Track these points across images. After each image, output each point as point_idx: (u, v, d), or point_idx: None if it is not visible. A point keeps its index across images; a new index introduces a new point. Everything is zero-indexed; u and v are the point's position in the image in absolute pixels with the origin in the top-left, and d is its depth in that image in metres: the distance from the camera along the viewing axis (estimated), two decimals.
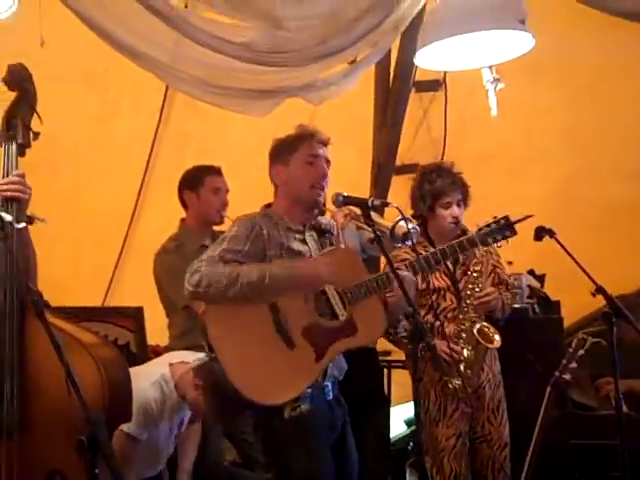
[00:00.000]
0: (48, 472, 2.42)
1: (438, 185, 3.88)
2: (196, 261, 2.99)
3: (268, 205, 3.25)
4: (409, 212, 3.92)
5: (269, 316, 3.01)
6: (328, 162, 3.21)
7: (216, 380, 3.23)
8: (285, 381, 3.00)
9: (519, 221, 3.37)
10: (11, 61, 2.66)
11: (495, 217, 3.38)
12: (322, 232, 3.29)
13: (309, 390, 3.03)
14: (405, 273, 3.12)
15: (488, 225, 3.37)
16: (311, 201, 3.19)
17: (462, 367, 3.79)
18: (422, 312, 3.83)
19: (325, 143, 3.21)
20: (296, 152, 3.18)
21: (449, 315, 3.85)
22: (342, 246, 3.41)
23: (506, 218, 3.37)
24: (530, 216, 3.42)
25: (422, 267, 3.23)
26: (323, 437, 3.11)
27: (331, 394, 3.16)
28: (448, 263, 3.88)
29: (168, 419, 3.61)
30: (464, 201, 3.92)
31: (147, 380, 3.46)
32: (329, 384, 3.15)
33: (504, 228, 3.36)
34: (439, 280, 3.86)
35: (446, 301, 3.86)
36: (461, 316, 3.82)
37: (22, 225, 2.46)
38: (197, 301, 3.91)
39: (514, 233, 3.36)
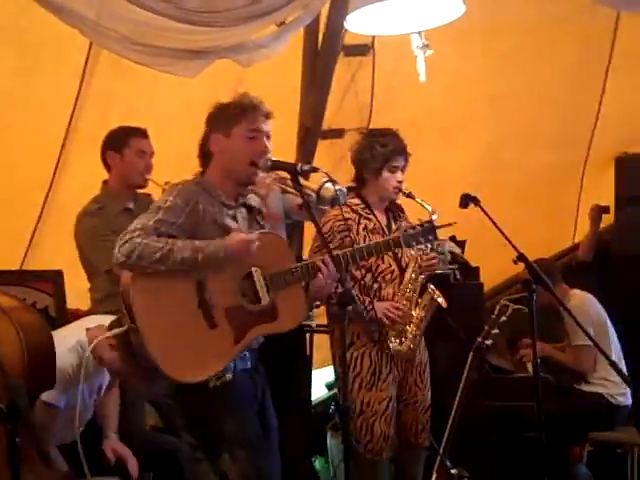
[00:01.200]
0: None
1: (390, 149, 3.91)
2: (129, 229, 2.92)
3: (202, 172, 3.18)
4: (339, 176, 3.93)
5: (195, 293, 2.98)
6: (269, 137, 3.16)
7: (133, 346, 3.20)
8: (202, 360, 2.98)
9: (441, 227, 3.57)
10: None
11: (420, 220, 3.53)
12: (251, 210, 3.25)
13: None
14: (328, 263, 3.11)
15: (413, 227, 3.47)
16: (246, 178, 3.14)
17: (410, 328, 3.85)
18: (360, 273, 3.88)
19: (269, 117, 3.16)
20: (239, 124, 3.10)
21: (387, 277, 3.91)
22: (266, 205, 3.38)
23: (430, 222, 3.50)
24: (452, 224, 3.69)
25: (346, 261, 3.22)
26: (249, 404, 3.12)
27: (249, 363, 3.16)
28: (384, 227, 3.93)
29: (87, 384, 3.56)
30: (405, 167, 3.98)
31: (63, 346, 3.39)
32: (247, 353, 3.14)
33: (427, 232, 3.46)
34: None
35: (384, 263, 3.91)
36: (409, 277, 3.88)
37: None
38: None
39: (436, 238, 3.53)
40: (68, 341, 3.47)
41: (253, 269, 3.06)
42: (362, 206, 3.95)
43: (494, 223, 3.60)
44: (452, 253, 5.27)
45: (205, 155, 3.15)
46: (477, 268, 5.48)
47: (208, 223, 3.04)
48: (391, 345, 3.84)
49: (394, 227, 4.01)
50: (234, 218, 3.15)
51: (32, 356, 2.43)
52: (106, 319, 3.63)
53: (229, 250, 2.97)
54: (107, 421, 3.76)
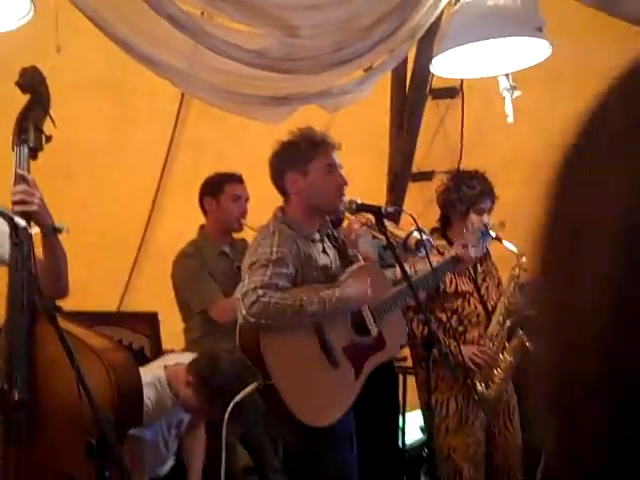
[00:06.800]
0: (58, 476, 2.43)
1: (477, 191, 3.91)
2: (250, 287, 2.93)
3: (281, 209, 3.22)
4: (423, 219, 3.94)
5: (316, 337, 3.05)
6: (341, 168, 3.21)
7: (204, 376, 3.27)
8: (333, 402, 3.06)
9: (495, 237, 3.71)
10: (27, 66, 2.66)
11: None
12: (332, 238, 3.29)
13: None
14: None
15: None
16: (333, 209, 3.18)
17: (497, 372, 3.82)
18: (446, 316, 3.86)
19: (338, 148, 3.20)
20: (314, 161, 3.14)
21: (473, 320, 3.88)
22: (355, 251, 3.42)
23: (485, 226, 3.65)
24: (503, 224, 3.80)
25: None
26: (347, 441, 3.18)
27: None
28: (470, 269, 3.91)
29: (165, 419, 3.64)
30: (491, 210, 3.97)
31: (142, 381, 3.48)
32: None
33: (485, 235, 3.61)
34: (465, 284, 3.88)
35: (470, 306, 3.89)
36: (496, 321, 3.86)
37: (35, 230, 2.46)
38: (215, 307, 3.95)
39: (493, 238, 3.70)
40: (146, 377, 3.56)
41: None
42: (447, 247, 3.92)
43: None
44: None
45: (282, 194, 3.19)
46: None
47: (307, 265, 3.08)
48: (478, 390, 3.79)
49: (480, 270, 3.98)
50: (325, 252, 3.20)
51: (121, 394, 2.49)
52: (185, 357, 3.73)
53: (352, 300, 3.05)
54: (189, 466, 3.83)
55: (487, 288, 3.95)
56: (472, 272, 3.93)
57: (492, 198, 3.95)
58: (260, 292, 2.90)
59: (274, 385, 2.92)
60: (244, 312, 2.89)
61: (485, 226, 3.62)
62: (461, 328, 3.87)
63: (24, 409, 2.38)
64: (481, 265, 4.00)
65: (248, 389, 3.04)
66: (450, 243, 3.95)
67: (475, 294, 3.90)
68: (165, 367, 3.63)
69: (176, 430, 3.76)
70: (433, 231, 4.01)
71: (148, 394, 3.49)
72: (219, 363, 3.44)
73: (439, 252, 3.86)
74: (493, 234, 3.83)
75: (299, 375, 2.98)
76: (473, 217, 3.90)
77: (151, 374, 3.58)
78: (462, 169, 4.16)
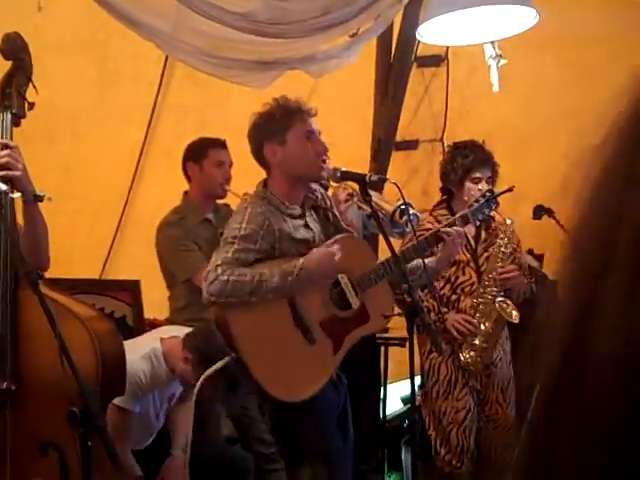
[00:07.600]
0: (42, 444, 2.40)
1: (471, 159, 3.86)
2: (212, 266, 2.90)
3: (264, 184, 3.17)
4: (407, 188, 3.91)
5: (289, 312, 3.00)
6: (320, 134, 3.15)
7: (203, 353, 3.25)
8: (307, 377, 3.02)
9: (501, 194, 3.59)
10: (9, 27, 2.61)
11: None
12: (318, 209, 3.25)
13: None
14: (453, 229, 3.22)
15: (477, 201, 3.48)
16: (316, 176, 3.13)
17: (478, 340, 3.81)
18: (439, 284, 3.86)
19: (314, 115, 3.14)
20: (290, 129, 3.06)
21: (466, 289, 3.87)
22: (343, 219, 3.39)
23: (490, 191, 3.56)
24: (511, 189, 3.66)
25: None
26: (332, 417, 3.14)
27: (334, 374, 3.16)
28: (470, 238, 3.89)
29: (158, 392, 3.63)
30: (493, 179, 3.92)
31: (137, 353, 3.47)
32: None
33: (489, 201, 3.49)
34: (460, 254, 3.86)
35: (465, 275, 3.87)
36: (481, 290, 3.83)
37: (17, 195, 2.42)
38: (200, 276, 3.93)
39: (497, 204, 3.59)
40: (142, 349, 3.55)
41: (339, 276, 3.09)
42: (447, 217, 3.84)
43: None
44: (529, 266, 5.19)
45: (263, 167, 3.14)
46: (555, 282, 5.35)
47: (285, 240, 3.04)
48: (461, 357, 3.81)
49: (483, 237, 3.96)
50: (307, 227, 3.15)
51: (105, 363, 2.47)
52: (181, 330, 3.70)
53: (316, 268, 2.96)
54: (174, 437, 3.82)
55: (487, 258, 3.91)
56: (472, 242, 3.91)
57: (491, 167, 3.90)
58: (219, 270, 2.86)
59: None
60: (204, 291, 2.88)
61: (491, 191, 3.57)
62: (454, 297, 3.86)
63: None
64: (487, 232, 3.96)
65: (219, 364, 3.03)
66: (453, 213, 3.89)
67: (472, 263, 3.88)
68: (161, 340, 3.61)
69: (167, 404, 3.75)
70: (440, 202, 3.99)
71: (143, 367, 3.48)
72: (215, 339, 3.42)
73: (437, 221, 3.81)
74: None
75: (269, 349, 2.95)
76: (470, 186, 3.84)
77: (147, 346, 3.56)
78: (449, 138, 4.11)
